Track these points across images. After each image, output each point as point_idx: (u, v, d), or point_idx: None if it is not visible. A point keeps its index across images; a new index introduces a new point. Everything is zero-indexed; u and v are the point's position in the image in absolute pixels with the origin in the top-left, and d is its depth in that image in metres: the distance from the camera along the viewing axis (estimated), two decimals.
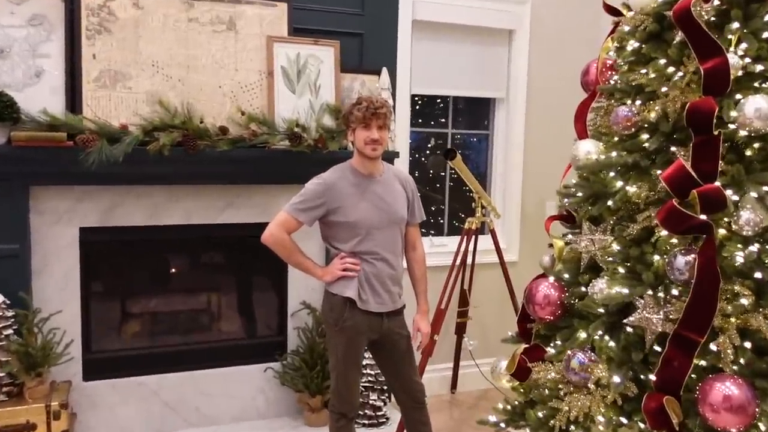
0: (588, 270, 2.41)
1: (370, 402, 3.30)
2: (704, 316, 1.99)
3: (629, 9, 2.54)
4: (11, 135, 2.72)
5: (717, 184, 2.08)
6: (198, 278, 3.49)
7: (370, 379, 3.27)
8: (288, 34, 3.22)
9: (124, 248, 3.22)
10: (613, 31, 2.66)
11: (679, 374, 2.01)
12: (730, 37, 2.19)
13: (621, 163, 2.35)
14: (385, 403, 3.36)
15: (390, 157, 3.24)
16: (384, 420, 3.34)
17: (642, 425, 2.07)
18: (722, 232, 2.10)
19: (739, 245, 2.07)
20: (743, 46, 2.16)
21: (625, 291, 2.19)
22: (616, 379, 2.15)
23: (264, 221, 2.61)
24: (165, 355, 3.30)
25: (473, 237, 3.61)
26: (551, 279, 2.48)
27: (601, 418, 2.15)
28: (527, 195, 4.10)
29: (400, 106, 3.64)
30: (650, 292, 2.15)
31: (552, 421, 2.25)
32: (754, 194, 2.05)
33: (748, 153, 2.14)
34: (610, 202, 2.35)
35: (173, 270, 3.45)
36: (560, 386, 2.30)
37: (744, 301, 2.01)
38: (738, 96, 2.13)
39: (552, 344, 2.49)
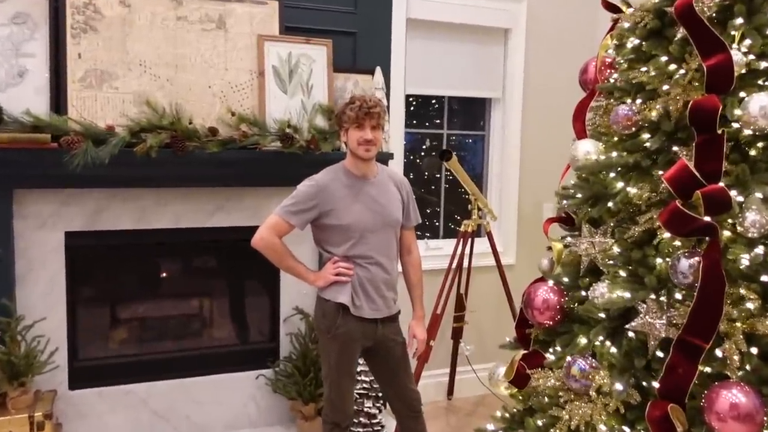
0: (588, 273, 2.34)
1: (365, 409, 3.23)
2: (709, 321, 1.93)
3: (629, 5, 2.49)
4: None
5: (721, 184, 2.02)
6: (188, 283, 3.42)
7: (364, 386, 3.19)
8: (279, 33, 3.16)
9: (111, 253, 3.14)
10: (612, 29, 2.61)
11: (684, 381, 1.94)
12: (733, 33, 2.13)
13: (621, 163, 2.29)
14: (380, 411, 3.29)
15: (384, 158, 3.18)
16: (379, 428, 3.27)
17: None
18: (727, 234, 2.05)
19: (745, 247, 2.01)
20: (747, 42, 2.11)
21: (627, 295, 2.13)
22: (619, 386, 2.08)
23: (255, 224, 2.54)
24: (154, 363, 3.23)
25: (469, 240, 3.54)
26: (550, 283, 2.41)
27: (602, 427, 2.09)
28: (524, 196, 4.04)
29: (394, 107, 3.58)
30: (653, 296, 2.09)
31: (552, 430, 2.18)
32: (759, 195, 2.00)
33: (753, 152, 2.08)
34: (610, 204, 2.29)
35: (162, 275, 3.38)
36: (560, 394, 2.24)
37: (750, 305, 1.96)
38: (742, 94, 2.08)
39: (551, 350, 2.43)
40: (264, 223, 2.44)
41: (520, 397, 2.52)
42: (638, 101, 2.30)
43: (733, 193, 2.02)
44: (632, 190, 2.21)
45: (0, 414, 2.67)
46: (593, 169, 2.39)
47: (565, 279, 2.41)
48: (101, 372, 3.12)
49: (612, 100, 2.47)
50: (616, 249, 2.26)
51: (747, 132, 2.06)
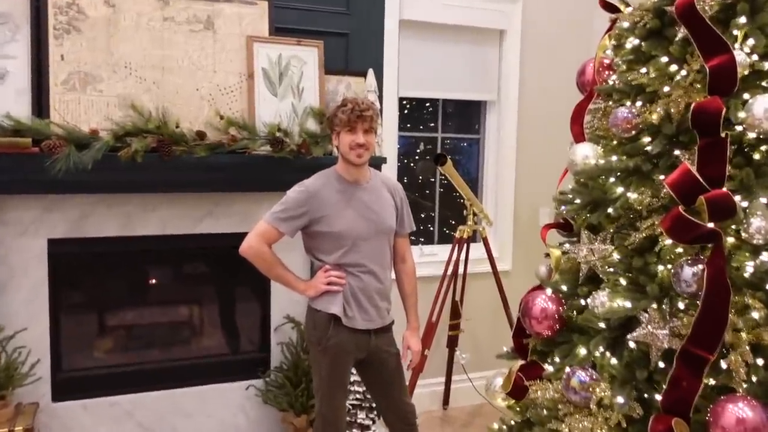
0: (587, 281, 2.28)
1: (358, 421, 3.15)
2: (714, 331, 1.87)
3: (627, 5, 2.43)
4: None
5: (725, 189, 1.95)
6: (175, 292, 3.34)
7: (357, 396, 3.11)
8: (269, 34, 3.09)
9: (96, 261, 3.05)
10: (610, 29, 2.55)
11: (688, 394, 1.87)
12: (736, 32, 2.08)
13: (621, 167, 2.23)
14: (373, 422, 3.20)
15: (377, 163, 3.11)
16: None
17: None
18: (731, 240, 1.98)
19: (750, 254, 1.95)
20: (750, 42, 2.05)
21: (628, 304, 2.06)
22: (620, 399, 2.02)
23: (244, 231, 2.47)
24: (140, 373, 3.14)
25: (465, 246, 3.47)
26: (548, 291, 2.34)
27: None
28: (520, 201, 3.97)
29: (387, 110, 3.51)
30: (655, 305, 2.02)
31: None
32: (764, 200, 1.95)
33: (757, 156, 2.03)
34: (610, 210, 2.23)
35: (149, 283, 3.29)
36: (559, 406, 2.17)
37: (755, 315, 1.90)
38: (746, 96, 2.03)
39: (550, 361, 2.36)
40: (252, 231, 2.36)
41: (518, 409, 2.45)
42: (638, 103, 2.24)
43: (737, 198, 1.96)
44: (633, 196, 2.15)
45: None
46: (592, 173, 2.32)
47: (564, 287, 2.34)
48: (86, 383, 3.02)
49: (611, 103, 2.41)
50: (616, 256, 2.20)
51: (751, 135, 2.01)
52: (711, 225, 1.91)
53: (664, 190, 2.05)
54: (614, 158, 2.27)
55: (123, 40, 2.85)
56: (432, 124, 4.00)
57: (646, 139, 2.20)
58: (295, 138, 3.02)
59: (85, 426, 2.98)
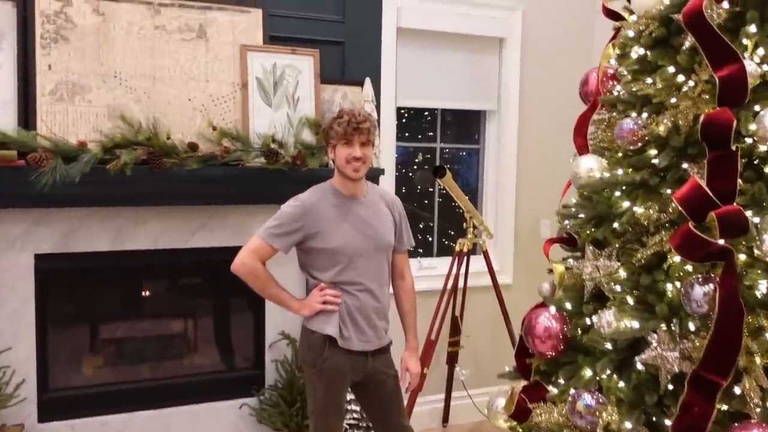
0: (592, 299, 2.20)
1: None
2: (727, 355, 1.79)
3: (631, 12, 2.35)
4: None
5: (736, 204, 1.88)
6: (167, 308, 3.24)
7: (354, 416, 3.02)
8: (263, 43, 3.01)
9: (85, 276, 2.97)
10: (614, 37, 2.48)
11: (701, 420, 1.80)
12: (746, 42, 2.01)
13: (627, 181, 2.15)
14: None
15: (375, 175, 3.03)
16: None
17: None
18: (743, 258, 1.91)
19: (763, 273, 1.87)
20: (761, 51, 1.99)
21: (636, 325, 1.99)
22: (628, 424, 1.94)
23: (238, 245, 2.38)
24: (131, 392, 3.04)
25: (465, 260, 3.38)
26: (552, 309, 2.26)
27: None
28: (521, 212, 3.89)
29: (384, 120, 3.43)
30: (664, 326, 1.94)
31: None
32: None
33: None
34: (615, 224, 2.16)
35: (140, 299, 3.20)
36: (565, 431, 2.08)
37: None
38: (756, 107, 1.96)
39: (554, 381, 2.28)
40: (245, 247, 2.28)
41: (521, 431, 2.36)
42: (644, 115, 2.17)
43: (748, 213, 1.89)
44: (639, 210, 2.08)
45: None
46: (597, 187, 2.25)
47: (568, 305, 2.26)
48: (74, 403, 2.92)
49: (615, 114, 2.34)
50: (622, 273, 2.12)
51: (762, 148, 1.95)
52: (722, 242, 1.84)
53: (673, 205, 1.98)
54: (620, 171, 2.20)
55: (113, 50, 2.77)
56: (431, 134, 3.92)
57: (653, 152, 2.13)
58: (290, 149, 2.94)
59: None
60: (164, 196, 2.89)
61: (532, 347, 2.27)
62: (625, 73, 2.31)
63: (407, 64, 3.61)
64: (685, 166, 2.03)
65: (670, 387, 1.92)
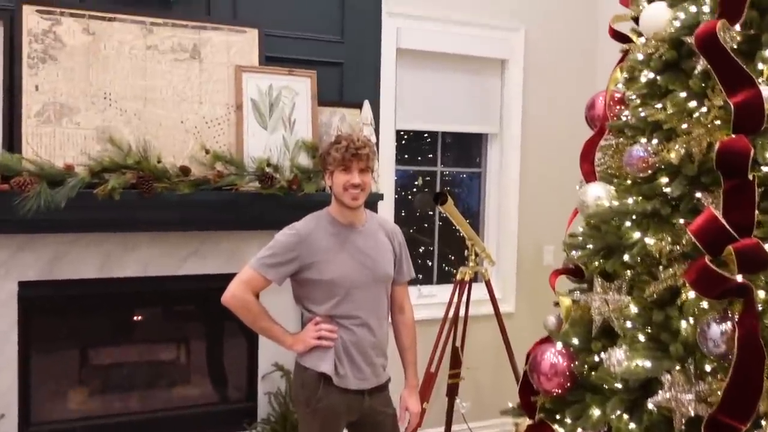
0: (601, 335, 2.09)
1: None
2: (747, 398, 1.68)
3: (640, 35, 2.27)
4: None
5: (754, 237, 1.78)
6: (157, 337, 3.12)
7: None
8: (259, 64, 2.93)
9: (71, 304, 2.85)
10: (621, 60, 2.39)
11: None
12: (761, 66, 1.92)
13: (638, 210, 2.05)
14: None
15: (374, 200, 2.92)
16: None
17: None
18: (762, 294, 1.80)
19: None
20: None
21: (648, 364, 1.88)
22: None
23: (231, 272, 2.28)
24: (118, 426, 2.91)
25: (466, 289, 3.26)
26: (558, 345, 2.15)
27: None
28: (524, 238, 3.78)
29: (384, 143, 3.35)
30: (678, 366, 1.83)
31: None
32: None
33: None
34: (626, 256, 2.05)
35: (128, 328, 3.07)
36: None
37: None
38: None
39: (559, 419, 2.16)
40: (236, 278, 2.17)
41: None
42: (654, 141, 2.07)
43: (767, 247, 1.78)
44: (650, 241, 1.98)
45: None
46: (605, 216, 2.15)
47: (575, 340, 2.15)
48: None
49: (623, 139, 2.25)
50: (633, 308, 2.01)
51: None
52: (740, 278, 1.74)
53: (686, 237, 1.88)
54: (630, 200, 2.10)
55: (103, 70, 2.68)
56: (431, 156, 3.84)
57: (664, 180, 2.03)
58: (286, 173, 2.85)
59: None
60: (154, 221, 2.79)
61: (537, 384, 2.16)
62: (634, 97, 2.23)
63: (407, 85, 3.54)
64: (698, 195, 1.93)
65: (684, 430, 1.80)
